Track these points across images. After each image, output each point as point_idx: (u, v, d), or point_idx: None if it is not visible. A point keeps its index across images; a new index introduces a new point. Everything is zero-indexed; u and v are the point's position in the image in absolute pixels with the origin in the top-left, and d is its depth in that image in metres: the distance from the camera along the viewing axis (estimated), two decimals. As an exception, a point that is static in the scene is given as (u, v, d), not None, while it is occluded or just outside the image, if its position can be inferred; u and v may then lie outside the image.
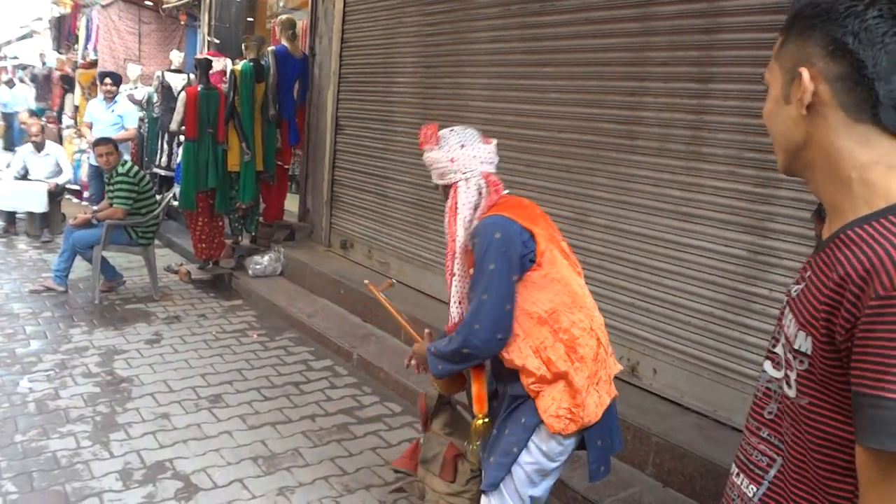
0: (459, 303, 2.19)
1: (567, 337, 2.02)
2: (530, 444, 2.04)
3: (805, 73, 0.97)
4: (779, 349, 1.05)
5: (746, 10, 3.23)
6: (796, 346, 0.97)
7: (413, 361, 2.43)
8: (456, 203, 2.16)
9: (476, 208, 2.15)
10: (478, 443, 2.21)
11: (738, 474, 1.10)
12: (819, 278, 0.96)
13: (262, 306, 5.84)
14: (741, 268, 3.31)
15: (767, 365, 1.08)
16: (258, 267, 6.30)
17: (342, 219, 6.50)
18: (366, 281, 2.94)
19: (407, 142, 5.55)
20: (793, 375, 0.98)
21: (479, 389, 2.20)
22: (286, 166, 6.80)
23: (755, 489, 1.05)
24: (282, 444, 3.58)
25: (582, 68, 4.02)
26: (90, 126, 7.95)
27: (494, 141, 2.29)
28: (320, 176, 6.73)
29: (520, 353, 2.03)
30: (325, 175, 6.61)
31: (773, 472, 1.03)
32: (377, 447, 3.62)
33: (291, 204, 7.29)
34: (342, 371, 4.61)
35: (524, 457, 2.05)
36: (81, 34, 11.77)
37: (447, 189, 2.22)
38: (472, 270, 2.07)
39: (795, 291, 1.02)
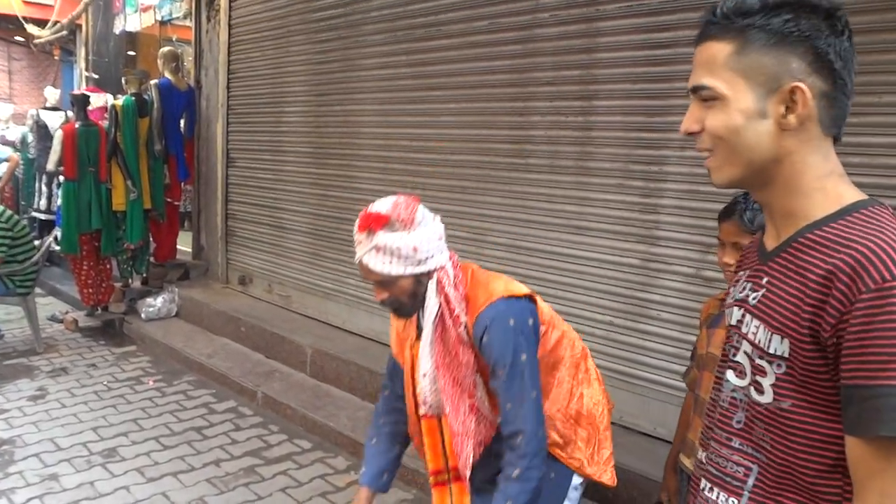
0: (481, 444, 1.91)
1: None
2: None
3: (806, 88, 0.96)
4: (740, 357, 1.05)
5: (621, 30, 3.37)
6: (771, 351, 0.98)
7: None
8: (449, 298, 1.86)
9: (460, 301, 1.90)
10: None
11: (710, 489, 1.07)
12: (789, 281, 0.98)
13: (158, 350, 5.55)
14: (635, 276, 3.42)
15: (730, 374, 1.07)
16: (151, 310, 6.00)
17: (239, 254, 6.30)
18: None
19: (299, 171, 5.46)
20: (767, 381, 0.99)
21: None
22: (176, 203, 6.53)
23: (737, 502, 1.03)
24: (185, 495, 3.39)
25: (470, 91, 4.09)
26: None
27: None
28: (213, 211, 6.52)
29: None
30: (219, 210, 6.40)
31: (751, 481, 1.02)
32: (287, 487, 3.49)
33: (184, 242, 7.01)
34: (247, 411, 4.43)
35: None
36: (-56, 74, 11.02)
37: (417, 283, 1.86)
38: (493, 374, 1.84)
39: (754, 299, 1.03)
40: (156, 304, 6.02)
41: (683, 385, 3.28)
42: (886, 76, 2.60)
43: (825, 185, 1.01)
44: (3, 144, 8.25)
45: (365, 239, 1.80)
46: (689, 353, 3.23)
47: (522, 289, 1.91)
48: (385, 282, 1.83)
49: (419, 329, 1.94)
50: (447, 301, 1.85)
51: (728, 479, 1.05)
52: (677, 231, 3.25)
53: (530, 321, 1.87)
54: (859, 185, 1.05)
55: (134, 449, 3.85)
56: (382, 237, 1.78)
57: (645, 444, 3.29)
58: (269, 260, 5.89)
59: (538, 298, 1.96)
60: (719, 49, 1.00)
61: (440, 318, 1.86)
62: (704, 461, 1.11)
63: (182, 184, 6.59)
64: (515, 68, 3.84)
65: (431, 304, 1.85)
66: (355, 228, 1.82)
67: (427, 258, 1.82)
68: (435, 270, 1.85)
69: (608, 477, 2.10)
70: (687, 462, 1.99)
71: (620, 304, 3.48)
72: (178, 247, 6.80)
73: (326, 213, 5.22)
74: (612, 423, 3.46)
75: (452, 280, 1.87)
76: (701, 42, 1.03)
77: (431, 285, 1.86)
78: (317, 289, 5.36)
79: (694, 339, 3.23)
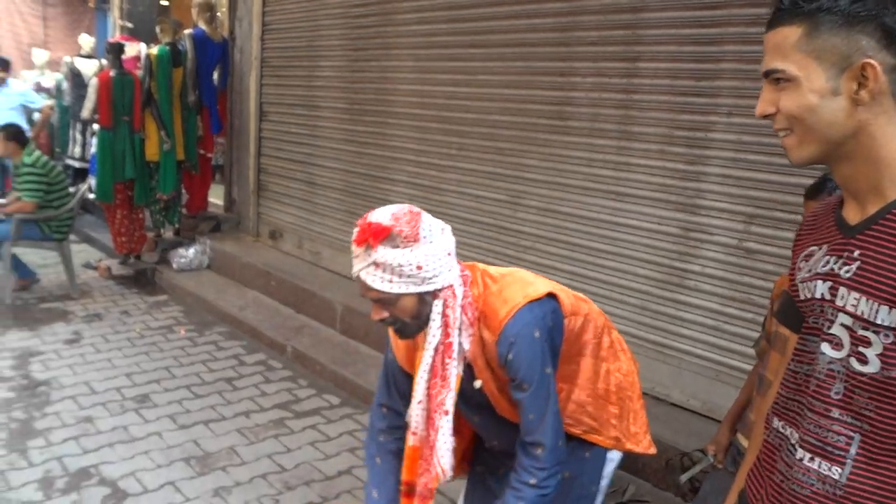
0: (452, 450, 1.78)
1: None
2: None
3: (876, 64, 1.00)
4: (835, 330, 1.06)
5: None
6: (878, 321, 1.00)
7: None
8: (449, 323, 1.70)
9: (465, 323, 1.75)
10: None
11: (811, 459, 1.08)
12: (891, 252, 1.00)
13: (189, 301, 5.62)
14: (674, 245, 3.36)
15: (825, 347, 1.08)
16: (183, 260, 6.06)
17: (270, 208, 6.31)
18: None
19: (333, 127, 5.42)
20: (872, 351, 1.01)
21: None
22: (209, 155, 6.54)
23: (840, 470, 1.05)
24: (216, 443, 3.45)
25: (510, 49, 3.99)
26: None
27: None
28: (245, 164, 6.51)
29: None
30: (251, 163, 6.40)
31: (853, 449, 1.04)
32: (316, 441, 3.53)
33: (216, 195, 7.04)
34: (276, 364, 4.48)
35: None
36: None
37: (421, 302, 1.69)
38: (517, 388, 1.73)
39: (847, 272, 1.05)
40: (187, 255, 6.08)
41: (720, 358, 3.26)
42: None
43: None
44: (38, 91, 8.28)
45: (363, 253, 1.63)
46: (727, 327, 3.20)
47: (540, 287, 1.76)
48: (385, 300, 1.67)
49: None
50: (446, 327, 1.70)
51: (829, 448, 1.06)
52: (721, 200, 3.17)
53: (551, 323, 1.74)
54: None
55: (166, 396, 3.92)
56: (382, 253, 1.61)
57: (677, 416, 3.26)
58: (300, 215, 5.89)
59: (558, 293, 1.81)
60: (789, 33, 1.05)
61: (439, 346, 1.73)
62: (799, 434, 1.11)
63: (214, 136, 6.59)
64: (558, 27, 3.74)
65: (434, 327, 1.70)
66: (353, 239, 1.65)
67: (433, 277, 1.64)
68: (442, 290, 1.69)
69: (645, 445, 2.07)
70: (744, 442, 1.98)
71: (658, 274, 3.43)
72: (210, 199, 6.83)
73: (360, 170, 5.19)
74: (644, 394, 3.45)
75: (460, 301, 1.71)
76: (771, 29, 1.08)
77: (437, 306, 1.69)
78: (348, 247, 5.35)
79: (734, 312, 3.19)
